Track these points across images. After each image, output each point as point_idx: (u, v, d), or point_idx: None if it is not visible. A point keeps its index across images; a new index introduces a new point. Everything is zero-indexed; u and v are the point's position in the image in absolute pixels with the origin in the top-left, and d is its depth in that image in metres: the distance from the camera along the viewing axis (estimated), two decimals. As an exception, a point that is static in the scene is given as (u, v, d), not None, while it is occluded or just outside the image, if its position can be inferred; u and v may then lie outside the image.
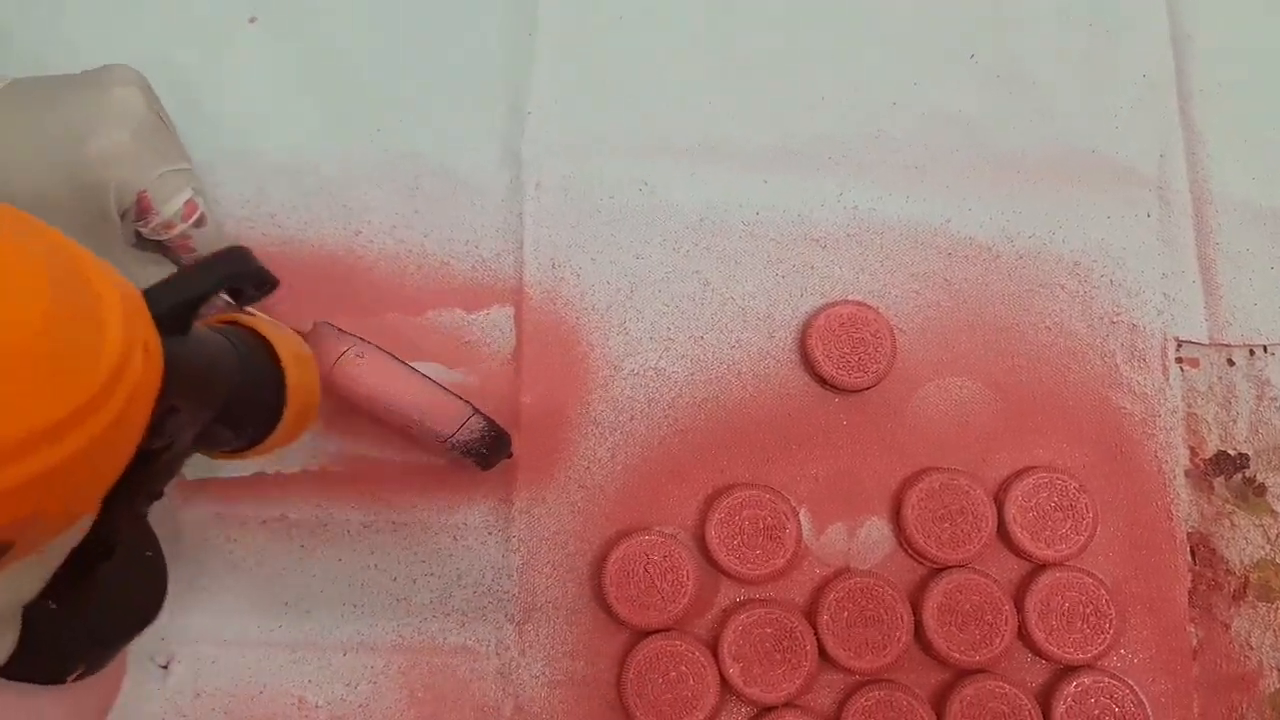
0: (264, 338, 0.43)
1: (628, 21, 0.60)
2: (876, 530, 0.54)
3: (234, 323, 0.43)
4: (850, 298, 0.56)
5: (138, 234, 0.49)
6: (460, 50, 0.59)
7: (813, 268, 0.57)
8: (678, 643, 0.51)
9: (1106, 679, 0.51)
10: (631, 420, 0.55)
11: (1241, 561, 0.54)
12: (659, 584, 0.52)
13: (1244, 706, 0.52)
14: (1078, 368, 0.56)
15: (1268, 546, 0.54)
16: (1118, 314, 0.57)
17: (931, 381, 0.56)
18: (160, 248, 0.51)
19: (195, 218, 0.49)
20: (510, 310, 0.56)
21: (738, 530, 0.52)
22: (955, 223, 0.58)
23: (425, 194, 0.57)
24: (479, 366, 0.55)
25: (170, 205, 0.48)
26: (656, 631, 0.51)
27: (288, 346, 0.43)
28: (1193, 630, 0.53)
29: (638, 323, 0.56)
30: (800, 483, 0.54)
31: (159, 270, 0.51)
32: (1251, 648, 0.53)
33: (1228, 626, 0.53)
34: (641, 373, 0.55)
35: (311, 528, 0.53)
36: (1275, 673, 0.52)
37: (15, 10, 0.59)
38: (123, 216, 0.47)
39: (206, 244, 0.50)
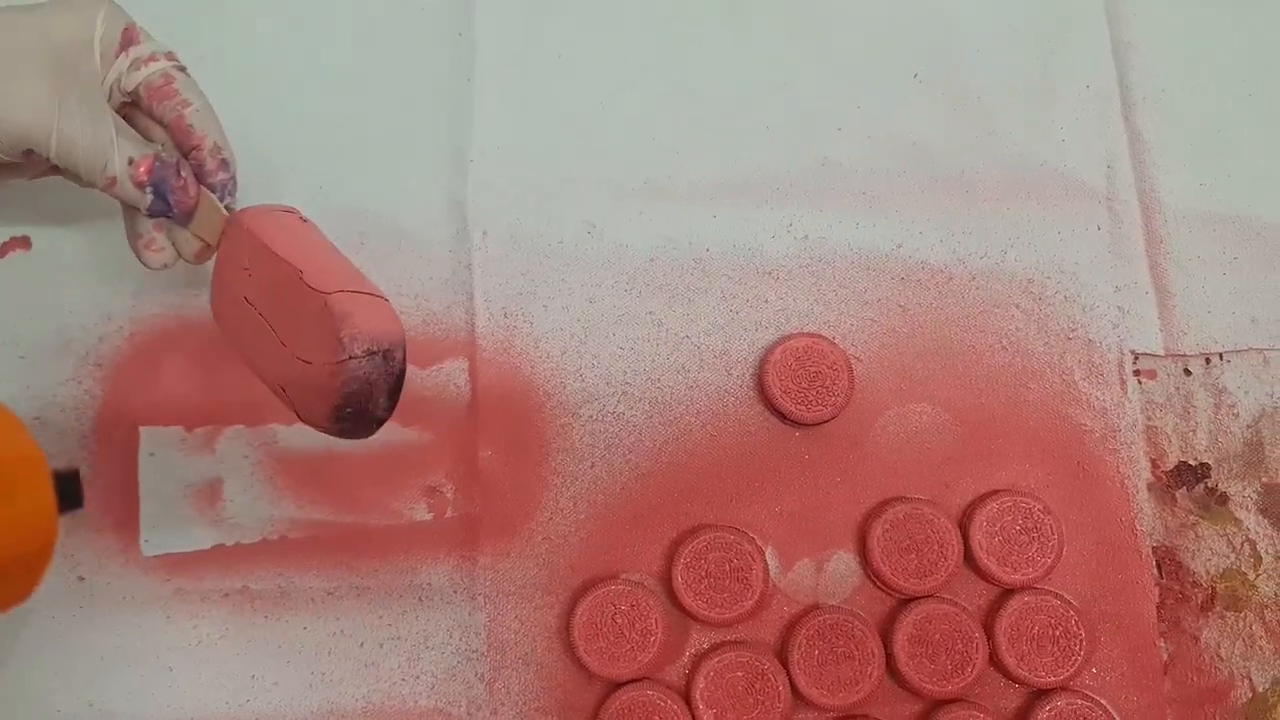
0: None
1: (566, 61, 0.59)
2: (843, 564, 0.54)
3: None
4: (805, 330, 0.56)
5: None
6: (398, 101, 0.58)
7: (766, 301, 0.57)
8: (650, 692, 0.51)
9: (1079, 700, 0.51)
10: (593, 468, 0.55)
11: (1208, 572, 0.54)
12: (628, 633, 0.51)
13: (1217, 718, 0.52)
14: (1036, 387, 0.56)
15: (1233, 555, 0.54)
16: (1073, 330, 0.57)
17: (891, 409, 0.56)
18: (126, 112, 0.46)
19: (178, 60, 0.46)
20: (464, 363, 0.55)
21: (704, 574, 0.52)
22: (906, 247, 0.58)
23: (371, 250, 0.56)
24: (435, 422, 0.55)
25: (155, 41, 0.45)
26: (628, 682, 0.51)
27: None
28: (1162, 645, 0.53)
29: (593, 368, 0.56)
30: (765, 520, 0.54)
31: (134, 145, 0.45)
32: (1222, 659, 0.53)
33: (1197, 639, 0.53)
34: (600, 419, 0.55)
35: (274, 598, 0.53)
36: (1246, 682, 0.53)
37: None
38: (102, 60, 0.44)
39: (193, 93, 0.45)
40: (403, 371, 0.41)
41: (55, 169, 0.45)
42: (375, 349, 0.40)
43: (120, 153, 0.43)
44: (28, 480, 0.31)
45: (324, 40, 0.59)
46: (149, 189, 0.44)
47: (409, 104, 0.58)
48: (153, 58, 0.45)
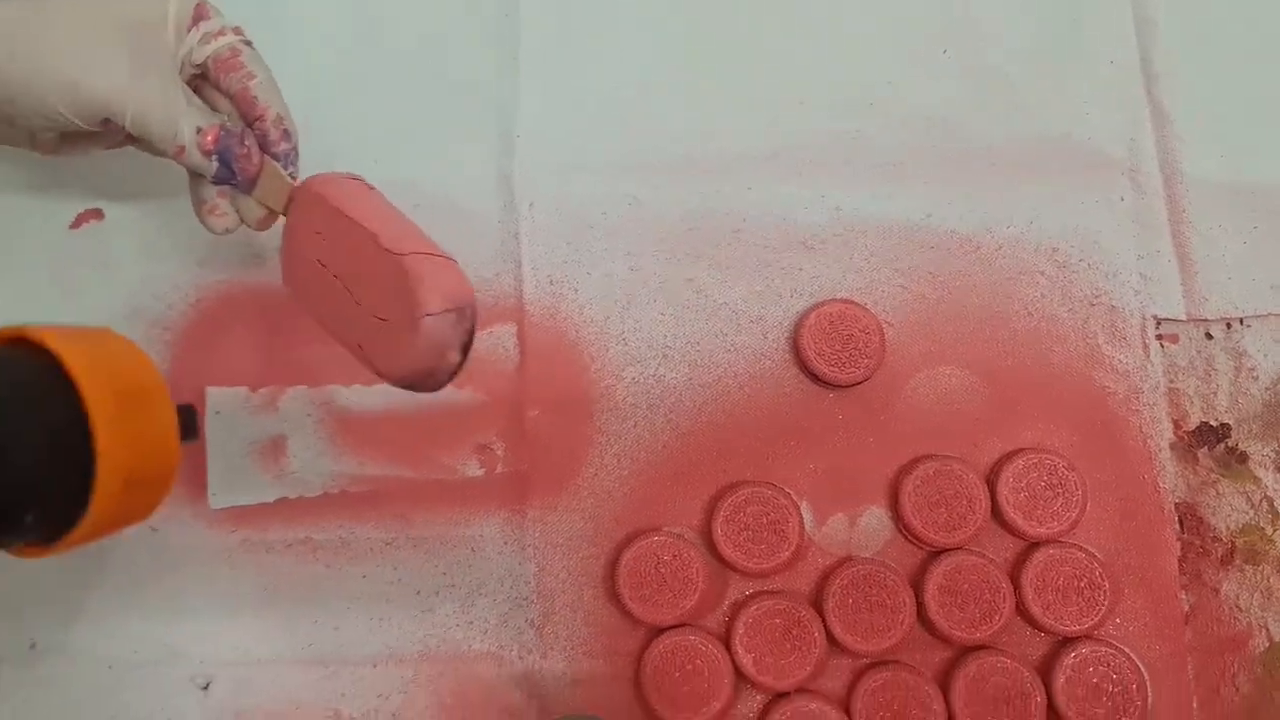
0: (60, 366, 0.32)
1: (607, 40, 0.62)
2: (876, 519, 0.56)
3: (18, 339, 0.33)
4: (838, 296, 0.58)
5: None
6: (449, 81, 0.61)
7: (800, 269, 0.59)
8: (691, 637, 0.53)
9: (1104, 648, 0.53)
10: (635, 427, 0.57)
11: (1228, 528, 0.56)
12: (670, 582, 0.54)
13: (1235, 666, 0.54)
14: (1061, 350, 0.58)
15: (1252, 512, 0.56)
16: (1097, 296, 0.59)
17: (921, 372, 0.58)
18: (195, 84, 0.48)
19: (244, 35, 0.48)
20: (513, 328, 0.58)
21: (743, 526, 0.55)
22: (935, 217, 0.60)
23: (423, 220, 0.59)
24: (486, 384, 0.58)
25: (223, 16, 0.47)
26: (670, 628, 0.54)
27: (105, 378, 0.32)
28: (1184, 596, 0.55)
29: (636, 332, 0.58)
30: (800, 477, 0.57)
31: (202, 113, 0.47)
32: (1241, 610, 0.55)
33: (1217, 591, 0.55)
34: (642, 380, 0.58)
35: (335, 548, 0.56)
36: (1264, 632, 0.55)
37: None
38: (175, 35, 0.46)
39: (258, 66, 0.48)
40: (473, 329, 0.43)
41: (130, 139, 0.48)
42: (449, 307, 0.42)
43: (189, 122, 0.46)
44: (157, 405, 0.35)
45: (378, 23, 0.62)
46: (215, 156, 0.46)
47: (459, 84, 0.61)
48: (221, 32, 0.47)
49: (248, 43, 0.48)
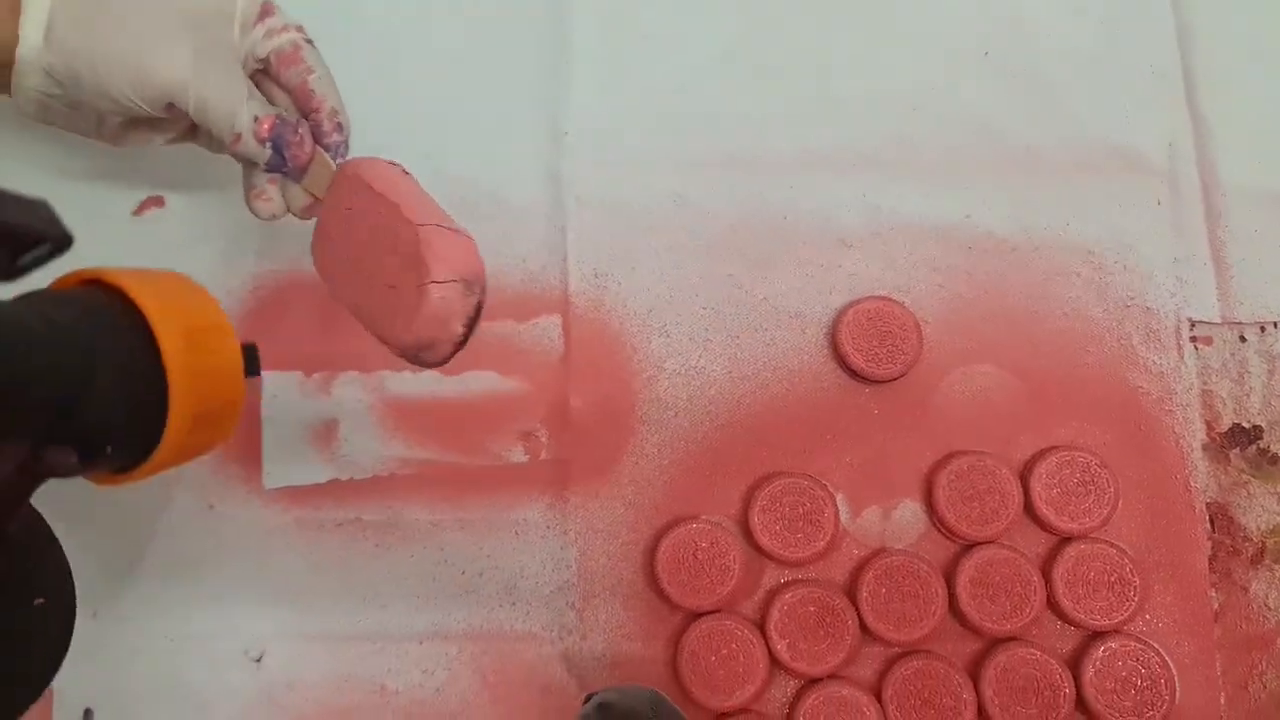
0: (134, 305, 0.33)
1: (655, 41, 0.64)
2: (910, 511, 0.58)
3: (95, 281, 0.34)
4: (877, 293, 0.60)
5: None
6: (501, 78, 0.63)
7: (840, 266, 0.61)
8: (728, 622, 0.55)
9: (1133, 643, 0.54)
10: (676, 417, 0.59)
11: (1258, 528, 0.57)
12: (708, 568, 0.55)
13: (1264, 664, 0.55)
14: (1096, 350, 0.59)
15: (1283, 513, 0.57)
16: (1132, 298, 0.60)
17: (957, 369, 0.59)
18: (256, 79, 0.50)
19: (305, 33, 0.50)
20: (558, 319, 0.60)
21: (779, 516, 0.56)
22: (974, 218, 0.61)
23: (474, 214, 0.60)
24: (531, 373, 0.59)
25: (286, 14, 0.49)
26: (707, 613, 0.55)
27: (175, 317, 0.33)
28: (1213, 594, 0.56)
29: (677, 325, 0.60)
30: (836, 470, 0.58)
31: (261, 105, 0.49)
32: (1270, 608, 0.56)
33: (1247, 589, 0.56)
34: (683, 372, 0.59)
35: (384, 528, 0.58)
36: (1293, 631, 0.56)
37: None
38: (241, 30, 0.48)
39: (316, 62, 0.49)
40: (480, 304, 0.44)
41: (190, 132, 0.51)
42: (456, 278, 0.43)
43: (248, 110, 0.47)
44: (223, 342, 0.36)
45: (433, 23, 0.64)
46: (269, 144, 0.48)
47: (511, 82, 0.63)
48: (284, 29, 0.49)
49: (309, 40, 0.50)
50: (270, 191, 0.51)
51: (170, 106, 0.47)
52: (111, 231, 0.61)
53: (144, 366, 0.32)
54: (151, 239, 0.61)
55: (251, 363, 0.38)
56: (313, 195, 0.50)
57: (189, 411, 0.33)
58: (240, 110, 0.47)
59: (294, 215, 0.51)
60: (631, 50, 0.64)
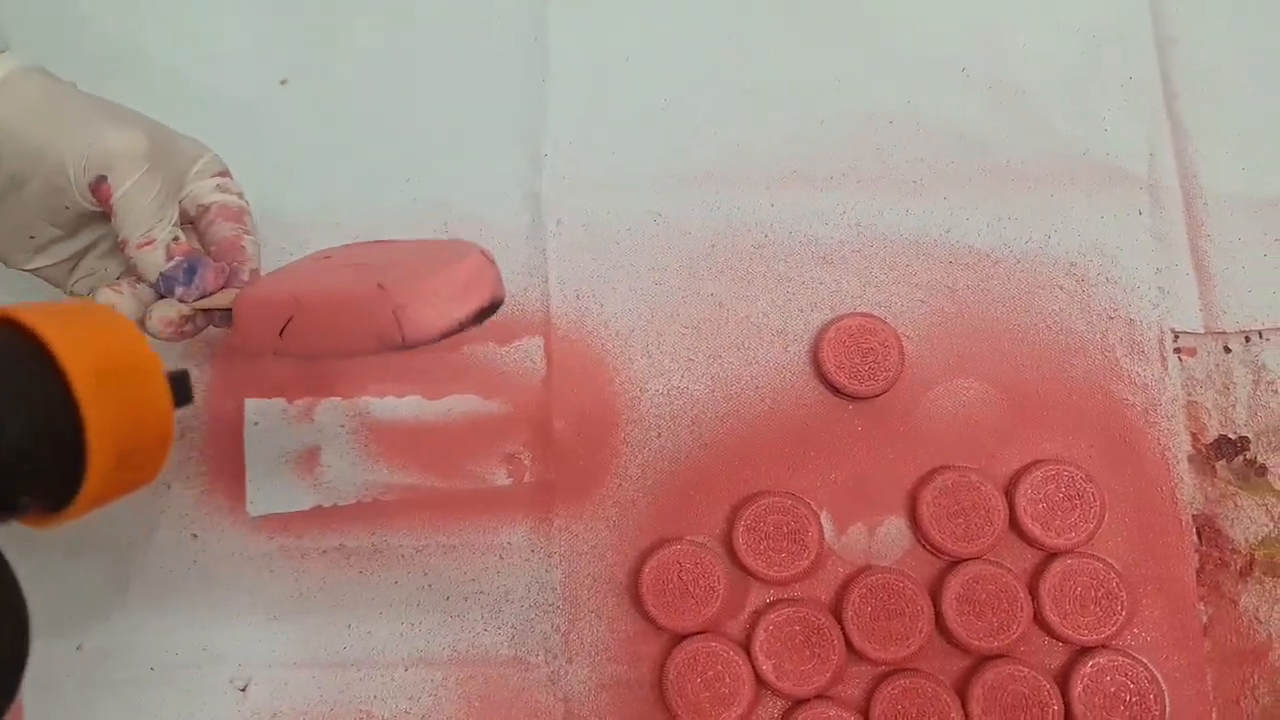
0: (41, 344, 0.32)
1: (633, 63, 0.64)
2: (895, 528, 0.57)
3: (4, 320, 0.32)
4: (858, 310, 0.60)
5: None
6: (479, 101, 0.63)
7: (821, 283, 0.60)
8: (713, 643, 0.54)
9: (1121, 658, 0.54)
10: (659, 437, 0.59)
11: (1246, 540, 0.57)
12: (692, 589, 0.55)
13: (1255, 678, 0.55)
14: (1079, 363, 0.59)
15: (1271, 524, 0.57)
16: (1115, 310, 0.60)
17: (940, 385, 0.59)
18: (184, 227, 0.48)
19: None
20: (540, 341, 0.60)
21: (763, 535, 0.56)
22: (955, 232, 0.61)
23: (454, 237, 0.61)
24: (513, 395, 0.59)
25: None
26: (692, 634, 0.55)
27: (87, 352, 0.32)
28: (1202, 608, 0.56)
29: (659, 346, 0.60)
30: (820, 487, 0.58)
31: None
32: (1260, 621, 0.55)
33: (1236, 602, 0.56)
34: (666, 392, 0.59)
35: (368, 555, 0.57)
36: (1284, 644, 0.55)
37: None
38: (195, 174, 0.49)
39: (254, 231, 0.50)
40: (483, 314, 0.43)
41: (86, 249, 0.49)
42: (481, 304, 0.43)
43: (172, 225, 0.47)
44: (146, 376, 0.35)
45: (411, 47, 0.64)
46: (182, 262, 0.46)
47: (489, 104, 0.63)
48: (238, 193, 0.50)
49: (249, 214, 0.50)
50: (123, 286, 0.47)
51: (99, 183, 0.45)
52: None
53: (57, 411, 0.31)
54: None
55: (181, 391, 0.37)
56: (188, 316, 0.47)
57: (110, 453, 0.32)
58: (164, 221, 0.46)
59: (149, 329, 0.46)
60: (611, 71, 0.64)
